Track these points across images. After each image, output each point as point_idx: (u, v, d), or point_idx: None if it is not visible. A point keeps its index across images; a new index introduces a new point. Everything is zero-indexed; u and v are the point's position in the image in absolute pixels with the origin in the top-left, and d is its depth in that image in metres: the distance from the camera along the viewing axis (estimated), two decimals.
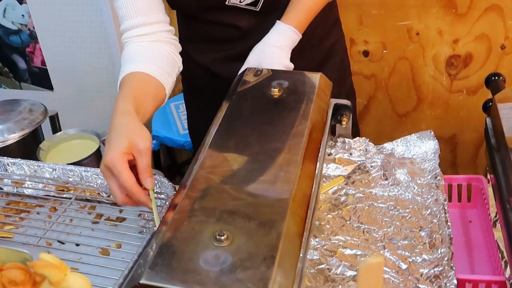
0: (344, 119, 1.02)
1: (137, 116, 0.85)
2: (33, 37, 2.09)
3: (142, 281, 0.60)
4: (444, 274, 0.79)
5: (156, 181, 0.95)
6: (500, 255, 0.83)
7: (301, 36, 1.09)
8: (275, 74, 1.03)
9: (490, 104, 1.01)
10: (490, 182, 0.96)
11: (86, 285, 0.36)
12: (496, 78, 1.06)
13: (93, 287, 0.45)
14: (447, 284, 0.77)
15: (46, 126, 1.28)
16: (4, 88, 2.25)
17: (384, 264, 0.27)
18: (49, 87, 2.15)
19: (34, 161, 1.01)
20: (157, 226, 0.78)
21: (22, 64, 2.17)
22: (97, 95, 1.99)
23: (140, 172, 0.79)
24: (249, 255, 0.62)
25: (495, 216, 0.91)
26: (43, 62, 2.13)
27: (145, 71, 0.94)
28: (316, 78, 1.02)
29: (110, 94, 1.99)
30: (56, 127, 1.28)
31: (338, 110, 1.04)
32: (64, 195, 0.96)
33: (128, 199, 0.79)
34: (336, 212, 0.93)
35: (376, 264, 0.25)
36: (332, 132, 1.11)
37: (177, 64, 1.04)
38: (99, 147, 1.14)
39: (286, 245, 0.64)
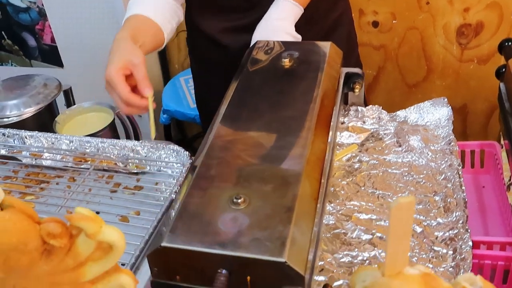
0: (357, 86, 1.02)
1: (133, 42, 0.95)
2: (42, 14, 2.09)
3: (164, 244, 0.62)
4: (460, 237, 0.80)
5: (171, 150, 0.96)
6: None
7: (303, 10, 1.08)
8: (285, 45, 1.03)
9: (504, 70, 1.00)
10: (504, 148, 0.96)
11: (120, 237, 0.37)
12: (510, 43, 1.05)
13: None
14: (462, 246, 0.78)
15: (60, 101, 1.30)
16: (15, 66, 2.26)
17: (414, 203, 0.27)
18: (59, 64, 2.16)
19: (51, 134, 1.03)
20: (152, 136, 0.90)
21: (32, 41, 2.18)
22: None
23: (138, 82, 0.91)
24: (265, 216, 0.63)
25: (509, 181, 0.92)
26: (52, 39, 2.13)
27: (145, 13, 1.02)
28: (326, 47, 1.02)
29: None
30: (70, 101, 1.30)
31: (350, 79, 1.04)
32: (82, 166, 0.98)
33: (130, 108, 0.91)
34: (351, 179, 0.94)
35: (407, 204, 0.26)
36: (345, 101, 1.11)
37: (178, 13, 1.10)
38: (114, 119, 1.15)
39: (301, 206, 0.65)
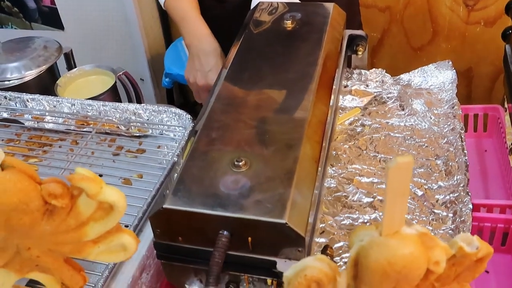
0: (360, 48, 1.01)
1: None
2: None
3: (166, 206, 0.62)
4: (460, 200, 0.80)
5: (173, 114, 0.96)
6: None
7: None
8: (288, 7, 1.01)
9: (510, 31, 0.99)
10: (507, 111, 0.96)
11: (121, 197, 0.38)
12: None
13: None
14: (463, 209, 0.79)
15: (61, 64, 1.29)
16: (15, 28, 2.24)
17: (413, 164, 0.27)
18: (60, 26, 2.13)
19: (53, 97, 1.02)
20: None
21: (31, 3, 2.15)
22: (108, 33, 1.97)
23: None
24: (266, 179, 0.64)
25: (511, 144, 0.91)
26: (52, 1, 2.10)
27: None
28: (329, 8, 1.01)
29: (121, 33, 1.97)
30: (71, 64, 1.29)
31: (353, 41, 1.03)
32: (84, 129, 0.98)
33: None
34: (353, 142, 0.94)
35: (405, 164, 0.26)
36: (348, 64, 1.10)
37: None
38: (115, 82, 1.14)
39: (302, 169, 0.65)
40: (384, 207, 0.29)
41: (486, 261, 0.33)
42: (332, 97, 0.84)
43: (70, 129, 0.99)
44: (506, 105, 0.96)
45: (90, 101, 1.00)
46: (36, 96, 1.03)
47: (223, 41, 0.91)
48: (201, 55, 1.06)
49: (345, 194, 0.84)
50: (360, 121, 0.98)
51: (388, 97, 1.02)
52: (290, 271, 0.32)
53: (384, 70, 1.07)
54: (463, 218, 0.77)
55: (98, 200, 0.37)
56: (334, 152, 0.91)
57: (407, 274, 0.30)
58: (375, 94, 1.03)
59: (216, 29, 1.09)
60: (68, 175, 0.37)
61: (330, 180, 0.86)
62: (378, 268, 0.30)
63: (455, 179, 0.84)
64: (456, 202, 0.80)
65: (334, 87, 0.86)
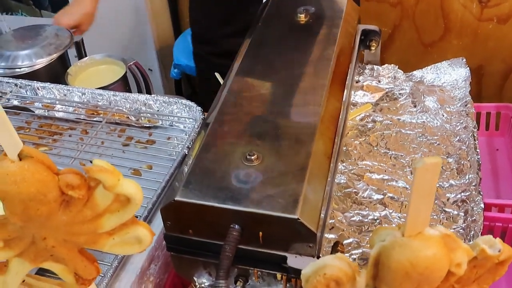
0: (373, 44, 1.00)
1: None
2: None
3: (177, 198, 0.62)
4: (471, 199, 0.80)
5: (184, 105, 0.96)
6: None
7: None
8: (301, 0, 1.00)
9: None
10: None
11: (138, 190, 0.37)
12: None
13: None
14: (474, 208, 0.78)
15: (72, 53, 1.28)
16: (25, 16, 2.23)
17: (441, 165, 0.27)
18: None
19: (63, 85, 1.02)
20: None
21: None
22: (119, 22, 1.96)
23: None
24: (279, 173, 0.63)
25: None
26: None
27: None
28: (343, 2, 1.00)
29: (132, 22, 1.96)
30: (81, 53, 1.28)
31: (367, 36, 1.02)
32: (94, 119, 0.98)
33: None
34: (364, 138, 0.94)
35: (433, 165, 0.25)
36: (361, 59, 1.09)
37: None
38: (126, 72, 1.14)
39: (315, 164, 0.65)
40: (409, 207, 0.28)
41: (508, 264, 0.33)
42: (345, 92, 0.83)
43: (80, 118, 0.99)
44: None
45: (101, 91, 1.00)
46: (47, 84, 1.02)
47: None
48: None
49: (355, 190, 0.84)
50: (371, 117, 0.98)
51: (400, 94, 1.02)
52: (308, 269, 0.32)
53: (397, 66, 1.06)
54: (474, 218, 0.76)
55: (115, 192, 0.37)
56: (345, 148, 0.91)
57: (429, 276, 0.30)
58: (387, 90, 1.03)
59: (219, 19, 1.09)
60: (86, 167, 0.36)
61: (340, 176, 0.86)
62: (399, 269, 0.29)
63: (466, 178, 0.84)
64: (468, 201, 0.80)
65: (346, 82, 0.86)
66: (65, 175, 0.36)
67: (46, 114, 1.00)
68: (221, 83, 0.86)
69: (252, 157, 0.65)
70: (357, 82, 1.04)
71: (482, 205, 0.77)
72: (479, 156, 0.85)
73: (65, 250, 0.41)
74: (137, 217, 0.77)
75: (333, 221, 0.79)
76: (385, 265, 0.30)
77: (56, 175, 0.37)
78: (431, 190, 0.27)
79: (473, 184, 0.81)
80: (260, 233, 0.61)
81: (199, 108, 0.94)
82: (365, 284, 0.32)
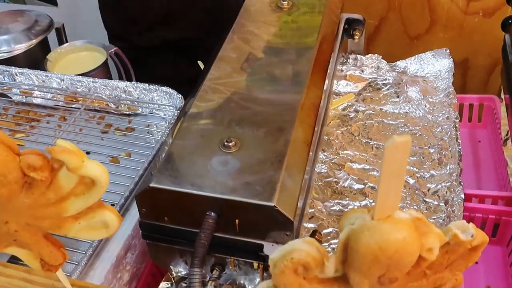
0: (357, 33, 0.99)
1: None
2: None
3: (152, 185, 0.61)
4: (452, 189, 0.79)
5: (164, 93, 0.94)
6: (508, 172, 0.84)
7: None
8: None
9: (510, 21, 0.97)
10: (503, 102, 0.94)
11: (103, 172, 0.36)
12: None
13: (105, 193, 0.45)
14: (454, 199, 0.78)
15: (52, 39, 1.26)
16: (8, 2, 2.19)
17: (410, 144, 0.26)
18: (53, 2, 2.09)
19: (42, 71, 1.00)
20: None
21: None
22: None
23: None
24: (256, 160, 0.62)
25: (506, 135, 0.90)
26: None
27: None
28: None
29: None
30: (62, 40, 1.26)
31: (350, 25, 1.01)
32: (73, 105, 0.96)
33: None
34: (346, 128, 0.93)
35: (403, 143, 0.24)
36: (344, 49, 1.09)
37: None
38: (106, 59, 1.12)
39: (293, 152, 0.64)
40: (378, 188, 0.27)
41: (481, 249, 0.32)
42: (326, 81, 0.82)
43: (58, 105, 0.97)
44: (502, 96, 0.95)
45: (80, 77, 0.98)
46: (25, 70, 1.00)
47: None
48: None
49: (336, 180, 0.83)
50: (353, 107, 0.97)
51: (383, 84, 1.01)
52: (276, 254, 0.31)
53: (380, 56, 1.05)
54: (454, 208, 0.76)
55: (79, 174, 0.36)
56: (326, 137, 0.90)
57: (399, 260, 0.29)
58: (370, 80, 1.02)
59: None
60: (48, 147, 0.35)
61: (321, 165, 0.85)
62: (368, 253, 0.28)
63: (447, 168, 0.83)
64: (448, 192, 0.79)
65: (329, 71, 0.84)
66: (27, 155, 0.35)
67: (24, 100, 0.98)
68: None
69: (230, 144, 0.64)
70: (340, 72, 1.03)
71: (463, 196, 0.77)
72: (460, 147, 0.84)
73: (29, 234, 0.40)
74: (113, 205, 0.76)
75: (312, 210, 0.78)
76: (353, 249, 0.29)
77: (18, 156, 0.36)
78: (401, 170, 0.26)
79: (454, 174, 0.81)
80: (237, 220, 0.60)
81: (179, 95, 0.93)
82: (334, 269, 0.31)
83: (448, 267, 0.33)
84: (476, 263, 0.79)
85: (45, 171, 0.36)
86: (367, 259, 0.29)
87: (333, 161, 0.86)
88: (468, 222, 0.31)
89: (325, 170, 0.84)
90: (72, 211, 0.38)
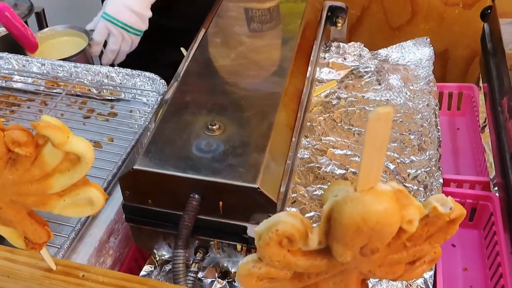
0: (340, 21, 1.00)
1: None
2: None
3: (136, 167, 0.61)
4: (431, 174, 0.81)
5: (147, 78, 0.94)
6: (485, 158, 0.86)
7: None
8: None
9: (489, 11, 0.99)
10: (482, 90, 0.96)
11: (88, 148, 0.36)
12: None
13: (88, 177, 0.45)
14: (433, 183, 0.79)
15: (32, 23, 1.24)
16: None
17: (392, 115, 0.27)
18: None
19: (22, 56, 0.99)
20: None
21: None
22: None
23: None
24: (240, 143, 0.63)
25: (484, 122, 0.92)
26: None
27: None
28: None
29: None
30: (42, 24, 1.24)
31: (334, 12, 1.02)
32: (54, 90, 0.95)
33: None
34: (328, 115, 0.94)
35: (385, 114, 0.25)
36: (327, 37, 1.09)
37: None
38: (88, 44, 1.11)
39: (277, 135, 0.65)
40: (361, 160, 0.28)
41: (459, 222, 0.33)
42: (309, 68, 0.83)
43: (39, 90, 0.96)
44: (481, 84, 0.97)
45: (61, 62, 0.97)
46: (5, 54, 0.99)
47: None
48: None
49: (318, 165, 0.84)
50: (336, 94, 0.98)
51: (365, 71, 1.02)
52: (261, 226, 0.32)
53: (362, 44, 1.06)
54: (433, 192, 0.78)
55: (64, 150, 0.36)
56: (309, 124, 0.91)
57: (380, 231, 0.29)
58: (352, 67, 1.03)
59: None
60: (33, 122, 0.35)
61: (304, 151, 0.86)
62: (351, 224, 0.29)
63: (427, 154, 0.85)
64: (427, 177, 0.81)
65: (311, 58, 0.85)
66: (11, 131, 0.35)
67: (4, 85, 0.97)
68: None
69: (214, 127, 0.64)
70: (323, 59, 1.04)
71: (441, 181, 0.79)
72: (439, 133, 0.86)
73: (13, 211, 0.39)
74: None
75: (295, 195, 0.79)
76: (336, 221, 0.30)
77: (2, 131, 0.35)
78: (384, 142, 0.27)
79: (433, 160, 0.83)
80: (220, 203, 0.61)
81: (162, 81, 0.93)
82: (317, 241, 0.32)
83: (427, 240, 0.34)
84: (454, 246, 0.81)
85: (30, 146, 0.36)
86: (350, 230, 0.29)
87: (316, 147, 0.87)
88: None
89: (308, 156, 0.85)
90: (57, 188, 0.38)
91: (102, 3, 1.23)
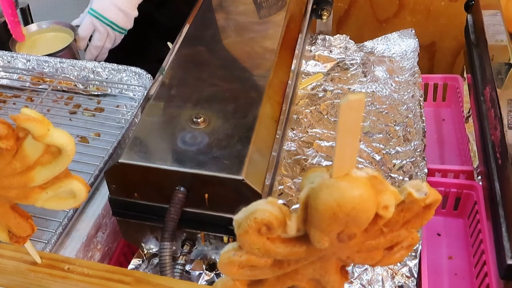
0: (325, 13, 1.00)
1: None
2: None
3: (121, 160, 0.61)
4: (416, 164, 0.82)
5: (133, 73, 0.94)
6: (470, 148, 0.87)
7: None
8: None
9: (472, 2, 1.00)
10: (466, 81, 0.97)
11: (69, 140, 0.36)
12: None
13: (74, 172, 0.45)
14: (418, 173, 0.80)
15: None
16: None
17: (364, 101, 0.27)
18: None
19: (7, 52, 0.98)
20: None
21: None
22: None
23: None
24: (225, 136, 0.63)
25: (468, 112, 0.93)
26: None
27: None
28: None
29: None
30: (28, 20, 1.24)
31: (319, 5, 1.02)
32: (40, 86, 0.95)
33: None
34: (314, 107, 0.94)
35: (357, 101, 0.26)
36: (313, 30, 1.10)
37: None
38: (74, 40, 1.10)
39: (262, 127, 0.65)
40: (335, 147, 0.28)
41: (435, 207, 0.34)
42: (294, 60, 0.83)
43: (25, 86, 0.96)
44: (465, 75, 0.97)
45: (47, 58, 0.97)
46: None
47: None
48: None
49: (305, 157, 0.85)
50: (322, 86, 0.98)
51: (351, 64, 1.03)
52: (240, 214, 0.32)
53: (348, 37, 1.07)
54: None
55: (45, 142, 0.36)
56: (295, 116, 0.91)
57: (356, 217, 0.30)
58: (338, 60, 1.04)
59: None
60: (13, 115, 0.35)
61: (290, 143, 0.87)
62: (327, 210, 0.30)
63: (412, 144, 0.85)
64: (412, 167, 0.82)
65: (296, 51, 0.86)
66: None
67: None
68: None
69: (199, 120, 0.65)
70: (309, 52, 1.05)
71: (426, 170, 0.80)
72: (424, 124, 0.87)
73: None
74: None
75: (282, 187, 0.80)
76: (313, 207, 0.30)
77: None
78: (356, 128, 0.28)
79: (418, 150, 0.83)
80: (206, 195, 0.61)
81: (149, 75, 0.93)
82: (296, 229, 0.32)
83: (404, 225, 0.34)
84: (439, 235, 0.82)
85: (11, 139, 0.36)
86: (326, 216, 0.30)
87: (302, 139, 0.88)
88: None
89: (294, 148, 0.86)
90: (39, 180, 0.38)
91: None
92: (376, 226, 0.33)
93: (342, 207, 0.29)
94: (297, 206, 0.78)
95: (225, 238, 0.65)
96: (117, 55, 1.10)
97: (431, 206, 0.34)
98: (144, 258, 0.73)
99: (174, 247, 0.67)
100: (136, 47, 1.15)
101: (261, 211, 0.32)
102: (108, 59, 1.09)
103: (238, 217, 0.33)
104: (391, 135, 0.88)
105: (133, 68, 0.94)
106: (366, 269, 0.69)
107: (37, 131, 0.35)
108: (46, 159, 0.38)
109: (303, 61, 1.01)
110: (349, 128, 0.27)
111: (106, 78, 0.95)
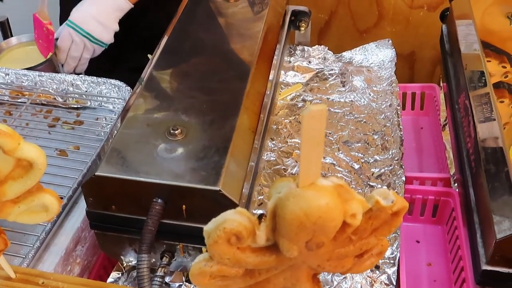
0: (303, 24, 1.02)
1: None
2: None
3: (98, 173, 0.61)
4: (394, 172, 0.83)
5: (113, 86, 0.94)
6: (446, 155, 0.88)
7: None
8: None
9: (447, 13, 1.02)
10: (442, 90, 0.99)
11: (40, 154, 0.36)
12: None
13: (52, 186, 0.45)
14: (396, 181, 0.81)
15: None
16: None
17: (327, 113, 0.28)
18: None
19: None
20: None
21: None
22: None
23: None
24: (202, 147, 0.63)
25: (445, 121, 0.95)
26: None
27: None
28: None
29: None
30: (7, 34, 1.23)
31: (297, 16, 1.04)
32: (19, 100, 0.94)
33: None
34: (294, 117, 0.95)
35: (319, 112, 0.26)
36: (292, 41, 1.11)
37: None
38: (54, 53, 1.10)
39: (239, 138, 0.65)
40: (300, 157, 0.29)
41: (402, 215, 0.34)
42: (272, 71, 0.84)
43: (4, 100, 0.95)
44: (441, 84, 0.99)
45: (26, 71, 0.96)
46: None
47: None
48: None
49: (284, 167, 0.85)
50: (301, 97, 0.99)
51: (329, 74, 1.04)
52: (209, 225, 0.32)
53: (327, 47, 1.08)
54: (396, 190, 0.79)
55: (16, 156, 0.36)
56: (275, 126, 0.92)
57: (323, 225, 0.30)
58: (317, 70, 1.05)
59: None
60: None
61: (270, 153, 0.87)
62: (294, 219, 0.30)
63: (390, 153, 0.87)
64: (391, 175, 0.83)
65: (274, 61, 0.86)
66: None
67: None
68: None
69: (176, 132, 0.65)
70: (288, 63, 1.06)
71: (404, 178, 0.81)
72: (402, 133, 0.88)
73: None
74: (62, 197, 0.75)
75: (262, 197, 0.80)
76: (280, 217, 0.31)
77: None
78: (320, 138, 0.28)
79: (396, 158, 0.84)
80: (184, 206, 0.61)
81: (128, 88, 0.93)
82: (265, 238, 0.33)
83: (373, 233, 0.35)
84: (418, 242, 0.83)
85: None
86: (294, 225, 0.30)
87: (282, 149, 0.88)
88: (409, 203, 0.33)
89: (274, 158, 0.86)
90: (10, 195, 0.38)
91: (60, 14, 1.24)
92: (344, 234, 0.33)
93: (308, 216, 0.30)
94: None
95: (204, 249, 0.65)
96: (97, 64, 1.10)
97: (399, 213, 0.34)
98: (124, 271, 0.73)
99: (153, 259, 0.67)
100: (116, 56, 1.16)
101: (230, 221, 0.32)
102: (88, 68, 1.09)
103: (208, 228, 0.33)
104: (369, 144, 0.89)
105: (113, 81, 0.94)
106: (345, 277, 0.69)
107: (7, 145, 0.35)
108: (17, 173, 0.38)
109: (282, 72, 1.02)
110: (313, 138, 0.28)
111: (86, 91, 0.95)
